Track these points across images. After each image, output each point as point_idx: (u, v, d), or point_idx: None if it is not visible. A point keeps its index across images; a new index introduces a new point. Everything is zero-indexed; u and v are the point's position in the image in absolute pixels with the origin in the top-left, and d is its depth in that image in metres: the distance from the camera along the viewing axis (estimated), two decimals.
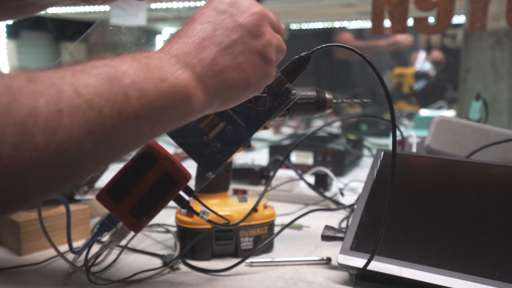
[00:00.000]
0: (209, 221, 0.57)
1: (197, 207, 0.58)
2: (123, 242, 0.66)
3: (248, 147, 0.57)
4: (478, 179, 0.62)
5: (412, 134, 1.12)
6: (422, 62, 2.70)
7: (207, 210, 0.57)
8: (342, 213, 0.83)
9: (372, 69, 0.49)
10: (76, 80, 0.32)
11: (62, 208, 0.69)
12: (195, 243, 0.63)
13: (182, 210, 0.65)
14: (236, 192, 0.93)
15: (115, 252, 0.63)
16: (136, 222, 0.52)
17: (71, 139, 0.31)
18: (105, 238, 0.57)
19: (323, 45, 0.51)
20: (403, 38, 2.61)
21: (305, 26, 2.44)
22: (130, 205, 0.52)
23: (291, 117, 0.60)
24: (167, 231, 0.74)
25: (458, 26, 2.52)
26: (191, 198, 0.56)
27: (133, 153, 0.52)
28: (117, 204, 0.52)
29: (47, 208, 0.70)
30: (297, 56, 0.52)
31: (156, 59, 0.39)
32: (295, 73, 0.52)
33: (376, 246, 0.51)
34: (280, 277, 0.58)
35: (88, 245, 0.56)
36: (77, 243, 0.68)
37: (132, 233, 0.55)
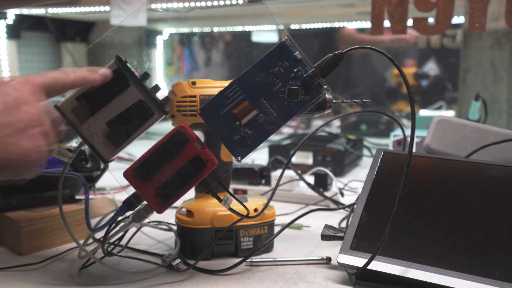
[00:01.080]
0: (230, 209, 0.57)
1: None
2: (123, 242, 0.66)
3: None
4: (477, 179, 0.62)
5: None
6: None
7: (230, 198, 0.57)
8: (342, 213, 0.83)
9: (396, 68, 0.52)
10: None
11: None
12: (195, 243, 0.63)
13: (182, 209, 0.65)
14: (236, 192, 0.93)
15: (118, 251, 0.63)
16: (160, 202, 0.52)
17: None
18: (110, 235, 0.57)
19: (356, 46, 0.53)
20: (408, 34, 2.60)
21: (305, 26, 2.44)
22: (157, 185, 0.52)
23: None
24: (169, 229, 0.74)
25: (457, 26, 2.52)
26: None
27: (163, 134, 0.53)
28: (144, 183, 0.52)
29: (47, 208, 0.70)
30: (331, 54, 0.53)
31: None
32: (328, 69, 0.53)
33: (381, 244, 0.51)
34: (280, 277, 0.58)
35: (109, 223, 0.56)
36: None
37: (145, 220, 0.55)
